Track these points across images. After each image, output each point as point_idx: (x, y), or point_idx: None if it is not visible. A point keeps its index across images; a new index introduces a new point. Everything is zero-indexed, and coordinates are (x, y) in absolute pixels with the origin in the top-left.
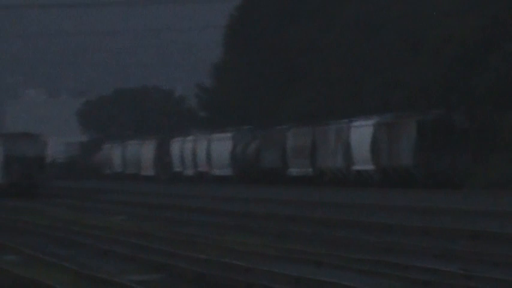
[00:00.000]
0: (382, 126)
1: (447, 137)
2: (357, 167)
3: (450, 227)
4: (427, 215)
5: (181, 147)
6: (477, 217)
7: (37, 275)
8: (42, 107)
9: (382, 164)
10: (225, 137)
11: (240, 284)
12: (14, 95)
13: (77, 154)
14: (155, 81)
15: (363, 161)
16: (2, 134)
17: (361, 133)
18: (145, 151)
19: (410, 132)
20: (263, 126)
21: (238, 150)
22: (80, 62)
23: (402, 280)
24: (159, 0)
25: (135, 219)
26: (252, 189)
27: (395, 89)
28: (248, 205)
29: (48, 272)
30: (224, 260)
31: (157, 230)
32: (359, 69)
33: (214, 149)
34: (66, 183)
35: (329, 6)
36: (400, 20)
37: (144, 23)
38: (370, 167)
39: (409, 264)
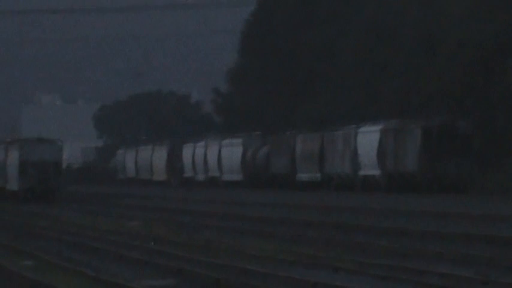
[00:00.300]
0: (388, 132)
1: (451, 143)
2: (363, 172)
3: (464, 231)
4: (439, 219)
5: (192, 152)
6: (487, 221)
7: (54, 280)
8: (58, 112)
9: (388, 169)
10: (236, 142)
11: None
12: (29, 100)
13: (93, 159)
14: (171, 86)
15: (369, 166)
16: (18, 139)
17: (367, 139)
18: (157, 156)
19: (416, 138)
20: (278, 130)
21: (249, 156)
22: (95, 67)
23: (419, 285)
24: (175, 6)
25: (150, 224)
26: (263, 194)
27: (411, 93)
28: (261, 210)
29: (65, 277)
30: (240, 265)
31: (172, 234)
32: (375, 73)
33: (225, 155)
34: (82, 188)
35: (344, 10)
36: (417, 24)
37: (160, 28)
38: (376, 172)
39: (426, 269)
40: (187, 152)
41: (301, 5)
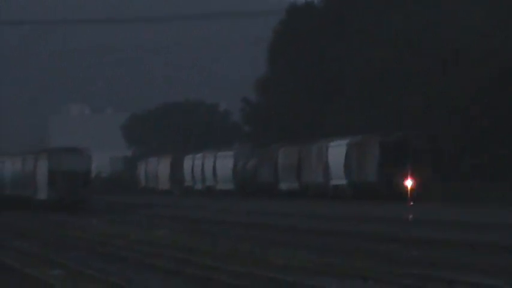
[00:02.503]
0: (353, 146)
1: (406, 156)
2: (333, 182)
3: (496, 241)
4: (467, 228)
5: (192, 164)
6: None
7: None
8: (87, 122)
9: (353, 180)
10: (228, 154)
11: None
12: (58, 110)
13: (121, 169)
14: (199, 95)
15: (338, 176)
16: (47, 149)
17: (336, 152)
18: (162, 167)
19: (374, 152)
20: (307, 140)
21: (239, 167)
22: (124, 77)
23: None
24: (204, 15)
25: (177, 233)
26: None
27: (433, 104)
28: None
29: (94, 287)
30: (268, 274)
31: (199, 243)
32: (399, 84)
33: (219, 166)
34: (110, 197)
35: (371, 22)
36: (439, 36)
37: (189, 38)
38: (343, 182)
39: (455, 278)
40: (187, 163)
41: (329, 15)
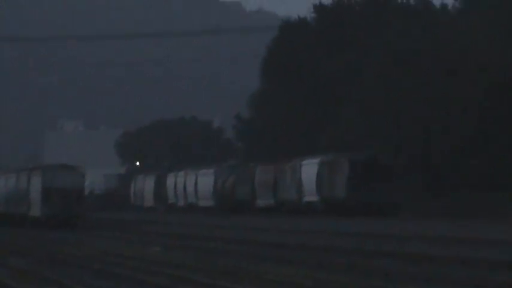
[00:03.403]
0: (324, 165)
1: (374, 173)
2: (306, 199)
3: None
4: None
5: (174, 181)
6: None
7: None
8: (81, 139)
9: (324, 196)
10: (209, 172)
11: None
12: (52, 126)
13: (115, 186)
14: (193, 111)
15: (310, 193)
16: (40, 166)
17: (309, 170)
18: (147, 185)
19: (344, 170)
20: (301, 155)
21: (219, 184)
22: (117, 93)
23: None
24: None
25: (170, 250)
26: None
27: (433, 117)
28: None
29: None
30: None
31: (193, 260)
32: (397, 97)
33: (200, 183)
34: (103, 214)
35: (366, 36)
36: (437, 49)
37: (182, 54)
38: (315, 198)
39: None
40: (170, 180)
41: (323, 30)
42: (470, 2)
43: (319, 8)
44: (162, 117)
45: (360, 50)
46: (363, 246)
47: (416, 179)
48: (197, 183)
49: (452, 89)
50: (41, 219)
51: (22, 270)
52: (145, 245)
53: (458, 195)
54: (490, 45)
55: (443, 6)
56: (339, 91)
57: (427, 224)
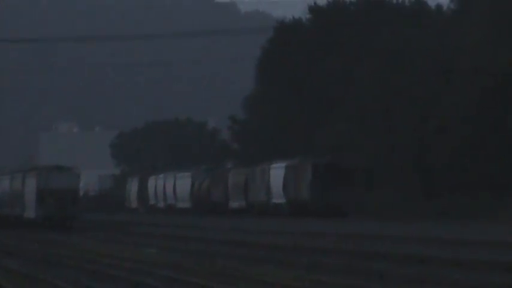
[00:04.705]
0: (290, 168)
1: (335, 177)
2: (274, 201)
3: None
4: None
5: (155, 183)
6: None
7: None
8: (75, 140)
9: (290, 198)
10: (186, 175)
11: None
12: (47, 128)
13: (109, 187)
14: (187, 113)
15: (278, 195)
16: (35, 167)
17: (276, 173)
18: (131, 186)
19: (307, 173)
20: (296, 157)
21: (196, 187)
22: (112, 95)
23: None
24: (192, 33)
25: (165, 252)
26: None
27: (427, 119)
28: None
29: None
30: None
31: (187, 262)
32: (392, 99)
33: (179, 185)
34: (98, 215)
35: (361, 38)
36: (432, 50)
37: (177, 56)
38: (282, 200)
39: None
40: (151, 183)
41: (318, 32)
42: (465, 3)
43: (314, 9)
44: (157, 119)
45: (354, 51)
46: (360, 247)
47: (411, 180)
48: (175, 186)
49: (447, 90)
50: (35, 221)
51: (16, 271)
52: (139, 247)
53: (454, 197)
54: (484, 46)
55: (439, 7)
56: (334, 92)
57: (422, 225)
